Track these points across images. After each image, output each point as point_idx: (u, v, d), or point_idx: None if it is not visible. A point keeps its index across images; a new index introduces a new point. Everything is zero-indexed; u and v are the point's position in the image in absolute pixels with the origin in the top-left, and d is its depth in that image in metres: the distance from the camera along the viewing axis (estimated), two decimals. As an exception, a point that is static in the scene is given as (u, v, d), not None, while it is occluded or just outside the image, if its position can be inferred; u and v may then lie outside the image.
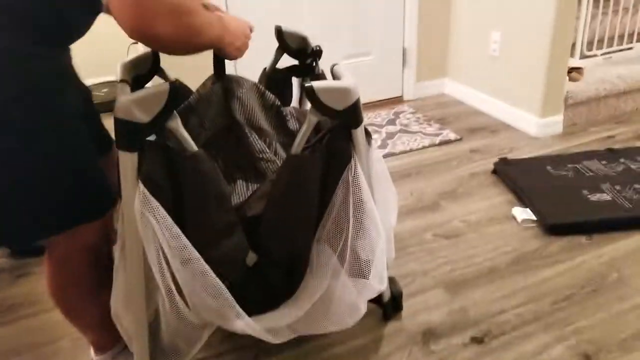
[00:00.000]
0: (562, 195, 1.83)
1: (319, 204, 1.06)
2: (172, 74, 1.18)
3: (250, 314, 1.06)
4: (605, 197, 1.80)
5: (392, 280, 1.40)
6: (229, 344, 1.34)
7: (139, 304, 1.06)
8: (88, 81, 1.11)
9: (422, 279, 1.53)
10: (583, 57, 2.67)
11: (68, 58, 1.00)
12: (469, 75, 2.83)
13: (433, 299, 1.45)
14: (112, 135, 1.14)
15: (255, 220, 1.05)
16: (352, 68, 2.74)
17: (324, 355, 1.29)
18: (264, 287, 1.10)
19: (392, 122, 2.69)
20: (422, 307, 1.42)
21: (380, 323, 1.37)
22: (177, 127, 0.91)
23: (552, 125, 2.41)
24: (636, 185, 1.85)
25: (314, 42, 1.31)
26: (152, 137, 0.93)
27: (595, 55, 2.69)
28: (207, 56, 1.16)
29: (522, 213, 1.79)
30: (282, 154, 1.35)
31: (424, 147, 2.38)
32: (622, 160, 2.05)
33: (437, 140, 2.43)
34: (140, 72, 1.14)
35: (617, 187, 1.84)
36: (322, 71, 1.30)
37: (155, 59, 1.17)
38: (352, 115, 1.01)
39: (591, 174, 1.96)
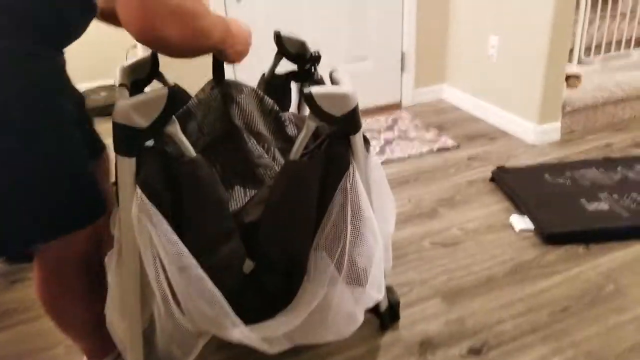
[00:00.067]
0: (560, 204, 1.83)
1: (317, 210, 1.05)
2: (171, 79, 1.16)
3: (246, 322, 1.05)
4: (603, 206, 1.79)
5: (389, 289, 1.39)
6: (224, 354, 1.32)
7: (134, 309, 1.05)
8: (87, 85, 1.10)
9: (420, 288, 1.52)
10: (580, 62, 2.67)
11: (63, 60, 0.99)
12: (467, 81, 2.83)
13: (430, 309, 1.44)
14: (103, 139, 1.13)
15: (253, 226, 1.04)
16: (350, 73, 2.73)
17: (320, 364, 1.28)
18: (260, 295, 1.09)
19: (390, 128, 2.68)
20: (419, 316, 1.41)
21: (377, 333, 1.36)
22: (175, 132, 0.91)
23: (550, 133, 2.41)
24: (634, 194, 1.84)
25: (312, 47, 1.30)
26: (150, 142, 0.92)
27: (591, 64, 2.70)
28: (206, 61, 1.16)
29: (520, 221, 1.79)
30: (281, 159, 1.34)
31: (422, 154, 2.37)
32: (619, 168, 2.04)
33: (435, 147, 2.42)
34: (139, 77, 1.13)
35: (615, 196, 1.84)
36: (321, 76, 1.30)
37: (154, 63, 1.16)
38: (350, 121, 1.00)
39: (589, 182, 1.96)
